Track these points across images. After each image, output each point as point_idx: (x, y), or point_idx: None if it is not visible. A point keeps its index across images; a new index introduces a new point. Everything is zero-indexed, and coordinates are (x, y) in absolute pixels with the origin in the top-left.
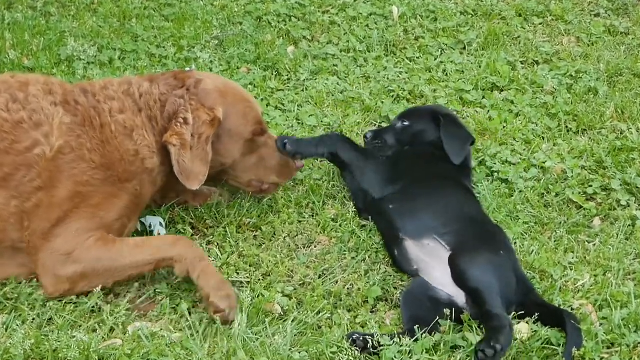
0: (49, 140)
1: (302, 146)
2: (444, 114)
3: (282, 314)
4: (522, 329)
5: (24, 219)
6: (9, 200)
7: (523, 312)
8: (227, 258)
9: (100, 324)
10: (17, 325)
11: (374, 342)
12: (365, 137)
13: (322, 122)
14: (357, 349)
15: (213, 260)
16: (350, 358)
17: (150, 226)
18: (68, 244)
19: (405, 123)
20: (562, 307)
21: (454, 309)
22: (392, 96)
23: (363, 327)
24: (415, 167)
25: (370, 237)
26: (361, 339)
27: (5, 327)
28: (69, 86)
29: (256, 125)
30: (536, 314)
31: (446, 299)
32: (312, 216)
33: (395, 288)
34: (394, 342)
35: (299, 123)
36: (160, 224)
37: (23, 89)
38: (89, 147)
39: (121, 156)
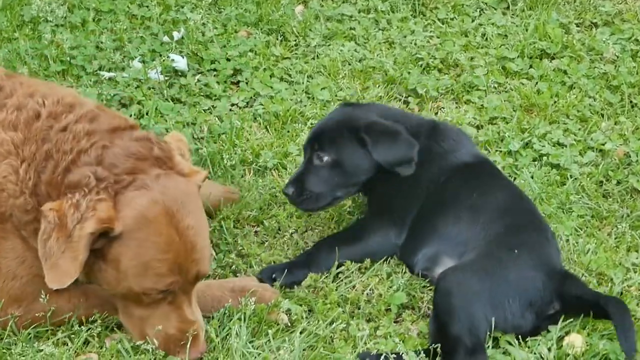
0: None
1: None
2: (364, 126)
3: (289, 324)
4: (576, 341)
5: None
6: None
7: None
8: (223, 258)
9: (72, 336)
10: None
11: None
12: (286, 194)
13: (336, 96)
14: None
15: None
16: None
17: None
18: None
19: (322, 157)
20: (605, 294)
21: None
22: (421, 65)
23: (385, 340)
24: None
25: None
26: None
27: None
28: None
29: (156, 285)
30: (578, 310)
31: None
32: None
33: (423, 293)
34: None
35: (308, 97)
36: None
37: None
38: None
39: None
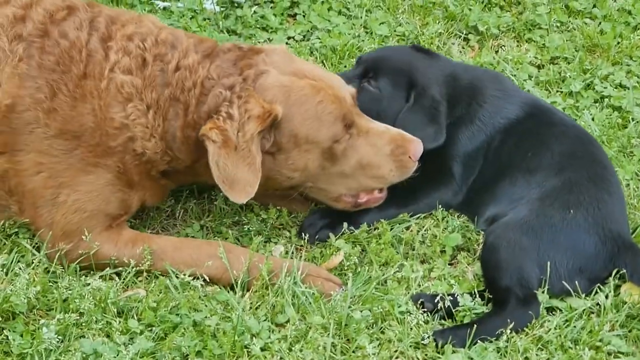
0: None
1: None
2: (420, 87)
3: (343, 264)
4: (633, 289)
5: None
6: None
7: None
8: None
9: (120, 271)
10: (20, 269)
11: (448, 303)
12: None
13: (394, 31)
14: (427, 311)
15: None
16: (422, 320)
17: None
18: (66, 241)
19: (371, 83)
20: None
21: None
22: (482, 2)
23: (440, 282)
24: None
25: None
26: (430, 300)
27: (5, 270)
28: (75, 8)
29: (336, 125)
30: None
31: None
32: None
33: (478, 235)
34: (474, 302)
35: (366, 32)
36: None
37: None
38: (46, 108)
39: (97, 123)
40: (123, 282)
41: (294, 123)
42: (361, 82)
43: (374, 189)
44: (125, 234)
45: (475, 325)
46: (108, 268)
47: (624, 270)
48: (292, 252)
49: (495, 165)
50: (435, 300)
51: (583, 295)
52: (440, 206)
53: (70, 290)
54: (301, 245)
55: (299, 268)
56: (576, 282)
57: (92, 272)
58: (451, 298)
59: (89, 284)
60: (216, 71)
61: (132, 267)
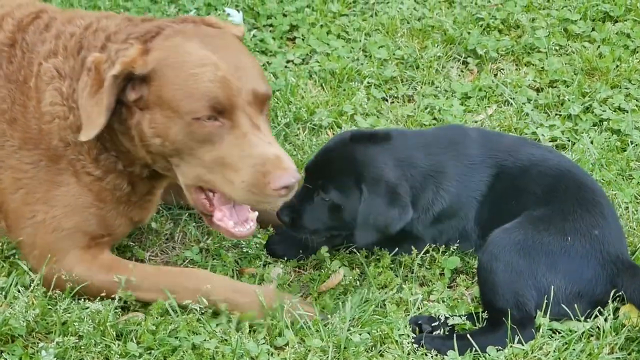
0: None
1: None
2: (370, 178)
3: (342, 286)
4: (632, 312)
5: None
6: None
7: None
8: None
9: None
10: (19, 292)
11: (446, 326)
12: (282, 220)
13: (394, 55)
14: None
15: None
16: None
17: None
18: (41, 260)
19: (325, 198)
20: None
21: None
22: (481, 26)
23: (438, 304)
24: None
25: None
26: (428, 323)
27: (3, 293)
28: (43, 12)
29: (199, 103)
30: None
31: None
32: None
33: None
34: (470, 325)
35: (365, 56)
36: None
37: None
38: (8, 118)
39: (38, 125)
40: (121, 304)
41: (162, 84)
42: (314, 197)
43: (224, 193)
44: (102, 257)
45: (466, 338)
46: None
47: (623, 292)
48: (291, 274)
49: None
50: (433, 323)
51: (582, 318)
52: None
53: (69, 313)
54: (299, 268)
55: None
56: (575, 306)
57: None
58: (447, 319)
59: (88, 307)
60: (129, 31)
61: (103, 295)
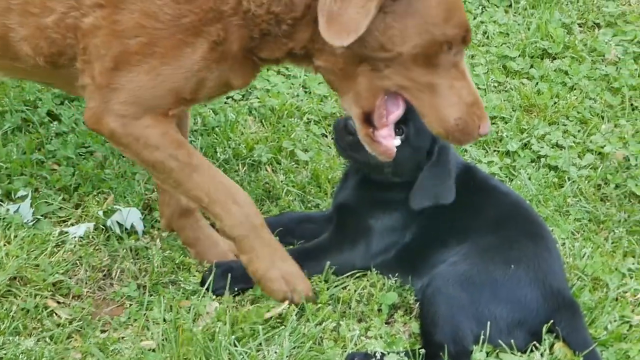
0: None
1: None
2: (442, 145)
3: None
4: (566, 347)
5: (81, 41)
6: (69, 10)
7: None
8: None
9: (59, 329)
10: None
11: None
12: (341, 124)
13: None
14: None
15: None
16: None
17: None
18: (124, 107)
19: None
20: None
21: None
22: None
23: (376, 340)
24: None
25: None
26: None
27: None
28: None
29: (457, 30)
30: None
31: None
32: (317, 205)
33: (414, 292)
34: None
35: (305, 92)
36: (140, 218)
37: None
38: None
39: None
40: (56, 344)
41: (424, 4)
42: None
43: (424, 116)
44: (173, 131)
45: None
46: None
47: (559, 330)
48: (228, 310)
49: (427, 232)
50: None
51: (519, 354)
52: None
53: (4, 350)
54: (235, 302)
55: None
56: (516, 334)
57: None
58: (383, 356)
59: (20, 344)
60: None
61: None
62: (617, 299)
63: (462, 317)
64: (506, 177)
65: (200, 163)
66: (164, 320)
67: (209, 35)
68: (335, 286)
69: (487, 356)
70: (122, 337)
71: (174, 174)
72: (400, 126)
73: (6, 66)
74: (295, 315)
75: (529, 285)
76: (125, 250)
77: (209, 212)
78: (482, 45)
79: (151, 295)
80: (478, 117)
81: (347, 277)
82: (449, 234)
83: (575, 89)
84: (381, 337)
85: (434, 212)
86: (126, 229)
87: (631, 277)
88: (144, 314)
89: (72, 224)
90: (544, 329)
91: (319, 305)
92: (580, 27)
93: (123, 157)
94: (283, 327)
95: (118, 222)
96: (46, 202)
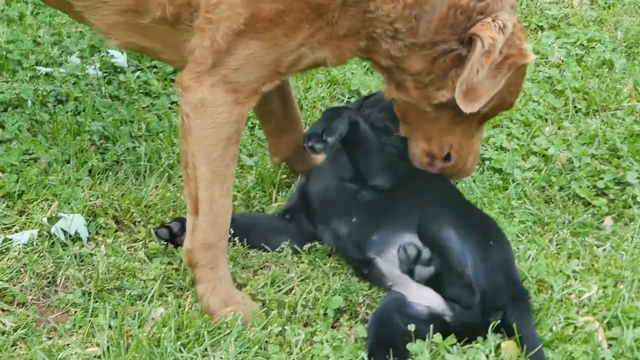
0: None
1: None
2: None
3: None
4: (509, 347)
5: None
6: None
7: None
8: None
9: (3, 337)
10: None
11: None
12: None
13: None
14: None
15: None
16: None
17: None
18: (232, 74)
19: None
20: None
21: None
22: (364, 66)
23: (322, 345)
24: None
25: None
26: None
27: None
28: None
29: (515, 99)
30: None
31: (424, 315)
32: (262, 210)
33: (359, 296)
34: None
35: None
36: (84, 224)
37: None
38: None
39: None
40: (1, 351)
41: (515, 77)
42: None
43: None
44: (242, 125)
45: None
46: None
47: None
48: (174, 316)
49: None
50: None
51: (463, 355)
52: None
53: None
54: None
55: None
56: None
57: None
58: None
59: None
60: None
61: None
62: (561, 301)
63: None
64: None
65: (229, 176)
66: (110, 326)
67: (327, 16)
68: (280, 290)
69: (431, 356)
70: (68, 344)
71: (211, 166)
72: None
73: (128, 23)
74: (241, 320)
75: (499, 266)
76: (69, 257)
77: (195, 220)
78: None
79: (96, 301)
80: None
81: (293, 281)
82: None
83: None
84: (327, 342)
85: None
86: (70, 235)
87: (575, 279)
88: (89, 321)
89: (16, 231)
90: (490, 329)
91: (264, 309)
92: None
93: (68, 163)
94: (229, 332)
95: (62, 229)
96: None
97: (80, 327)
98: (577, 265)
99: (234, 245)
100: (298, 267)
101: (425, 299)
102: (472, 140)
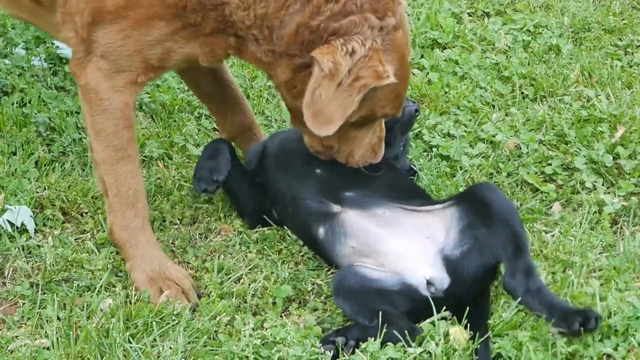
0: None
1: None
2: None
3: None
4: (457, 334)
5: None
6: None
7: None
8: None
9: None
10: None
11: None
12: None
13: None
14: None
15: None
16: None
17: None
18: (101, 60)
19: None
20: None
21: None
22: None
23: (272, 333)
24: None
25: (278, 228)
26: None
27: None
28: None
29: (395, 111)
30: None
31: (396, 286)
32: (210, 200)
33: (308, 284)
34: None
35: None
36: (31, 216)
37: None
38: None
39: None
40: None
41: (384, 88)
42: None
43: (340, 157)
44: (132, 110)
45: None
46: None
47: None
48: (122, 306)
49: None
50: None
51: (415, 345)
52: None
53: None
54: (128, 299)
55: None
56: None
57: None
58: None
59: None
60: (363, 2)
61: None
62: None
63: None
64: None
65: (132, 155)
66: (58, 318)
67: (186, 18)
68: (230, 279)
69: (381, 347)
70: (17, 336)
71: (107, 150)
72: None
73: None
74: (189, 310)
75: None
76: (17, 249)
77: (107, 203)
78: None
79: (44, 293)
80: (375, 151)
81: (242, 269)
82: None
83: (465, 78)
84: (277, 329)
85: None
86: (17, 227)
87: None
88: (38, 313)
89: None
90: (438, 317)
91: (213, 298)
92: (470, 16)
93: (14, 155)
94: (177, 322)
95: (9, 221)
96: None
97: (29, 318)
98: None
99: (180, 233)
100: (246, 256)
101: (396, 264)
102: (352, 140)
